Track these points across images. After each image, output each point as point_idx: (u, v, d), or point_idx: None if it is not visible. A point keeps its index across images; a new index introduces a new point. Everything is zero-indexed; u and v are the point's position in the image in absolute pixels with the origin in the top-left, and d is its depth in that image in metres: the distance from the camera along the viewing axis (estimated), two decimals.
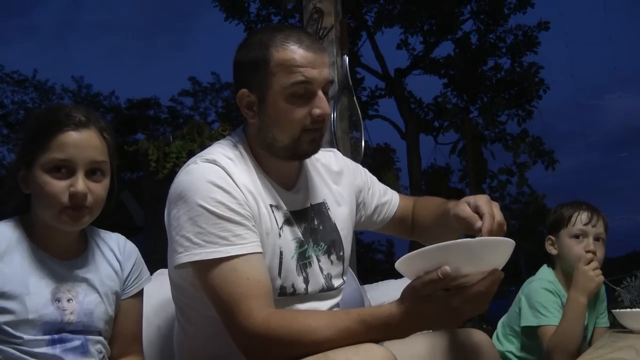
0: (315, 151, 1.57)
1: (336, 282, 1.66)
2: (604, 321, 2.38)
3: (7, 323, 1.40)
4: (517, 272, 7.97)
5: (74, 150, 1.45)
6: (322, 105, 1.50)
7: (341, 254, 1.68)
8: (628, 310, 2.07)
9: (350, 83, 3.82)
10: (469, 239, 1.28)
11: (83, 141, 1.46)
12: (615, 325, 2.18)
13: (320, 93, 1.51)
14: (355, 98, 3.92)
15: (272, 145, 1.54)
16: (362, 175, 1.84)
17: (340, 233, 1.69)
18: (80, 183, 1.45)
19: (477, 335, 1.56)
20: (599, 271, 2.17)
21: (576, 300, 2.12)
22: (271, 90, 1.50)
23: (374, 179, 1.88)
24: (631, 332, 1.96)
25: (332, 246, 1.66)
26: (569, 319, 2.12)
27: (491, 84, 11.40)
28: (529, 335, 2.28)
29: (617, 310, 2.04)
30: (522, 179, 9.14)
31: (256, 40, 1.54)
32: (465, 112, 10.91)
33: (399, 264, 1.31)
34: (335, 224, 1.68)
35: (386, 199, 1.86)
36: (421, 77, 11.68)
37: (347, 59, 3.78)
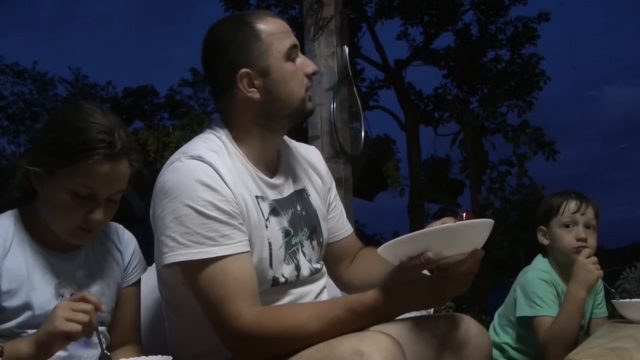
0: (312, 108, 1.65)
1: (317, 266, 1.68)
2: (601, 311, 2.38)
3: (17, 324, 1.41)
4: (517, 263, 7.99)
5: (104, 181, 1.42)
6: (310, 63, 1.62)
7: (320, 240, 1.70)
8: (627, 300, 2.08)
9: (350, 74, 3.81)
10: (448, 224, 1.34)
11: (114, 175, 1.44)
12: (615, 316, 2.18)
13: (302, 55, 1.62)
14: (355, 89, 3.91)
15: (277, 115, 1.57)
16: (333, 183, 1.86)
17: (320, 219, 1.71)
18: (100, 213, 1.45)
19: (469, 322, 1.55)
20: (598, 265, 2.16)
21: (575, 294, 2.11)
22: (273, 58, 1.55)
23: (339, 200, 1.88)
24: (630, 322, 1.97)
25: (314, 232, 1.68)
26: (567, 313, 2.11)
27: (491, 75, 11.36)
28: (525, 326, 2.27)
29: (617, 300, 2.05)
30: (522, 170, 9.13)
31: (230, 24, 1.59)
32: (465, 104, 10.89)
33: (382, 250, 1.37)
34: (315, 210, 1.70)
35: (342, 222, 1.85)
36: (421, 68, 11.63)
37: (347, 49, 3.76)
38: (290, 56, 1.57)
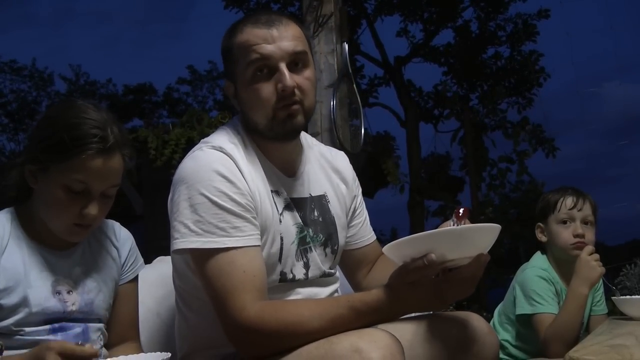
0: (296, 126, 1.52)
1: (330, 270, 1.68)
2: (601, 308, 2.38)
3: (14, 322, 1.41)
4: (517, 260, 7.99)
5: (97, 176, 1.43)
6: (282, 79, 1.47)
7: (335, 247, 1.69)
8: (627, 297, 2.07)
9: (350, 71, 3.81)
10: (453, 227, 1.33)
11: (107, 169, 1.44)
12: (615, 313, 2.18)
13: (282, 67, 1.48)
14: (354, 86, 3.92)
15: (256, 129, 1.54)
16: (359, 190, 1.84)
17: (338, 227, 1.69)
18: (95, 208, 1.45)
19: (477, 321, 1.56)
20: (600, 262, 2.15)
21: (577, 291, 2.11)
22: (238, 75, 1.52)
23: (365, 207, 1.86)
24: (631, 319, 1.96)
25: (329, 239, 1.66)
26: (569, 310, 2.11)
27: (491, 72, 11.36)
28: (524, 324, 2.27)
29: (617, 297, 2.04)
30: (522, 167, 9.14)
31: (227, 31, 1.57)
32: (465, 101, 10.89)
33: (387, 250, 1.37)
34: (334, 217, 1.68)
35: (365, 229, 1.82)
36: (421, 65, 11.64)
37: (346, 46, 3.77)
38: (254, 73, 1.49)
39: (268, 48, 1.48)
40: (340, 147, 3.60)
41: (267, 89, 1.48)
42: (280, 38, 1.49)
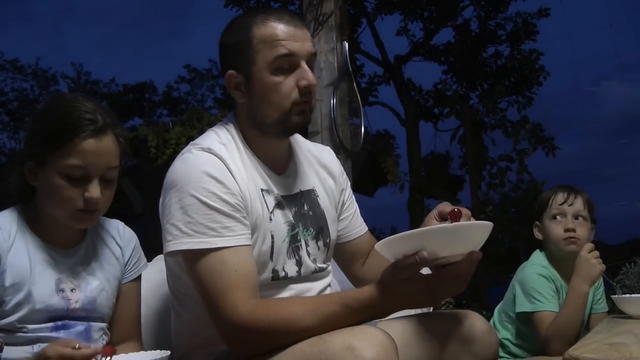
0: (305, 123, 1.59)
1: (322, 265, 1.69)
2: (601, 307, 2.39)
3: (18, 319, 1.42)
4: (517, 259, 7.99)
5: (92, 158, 1.45)
6: (307, 76, 1.53)
7: (327, 240, 1.70)
8: (627, 295, 2.08)
9: (350, 70, 3.81)
10: (446, 224, 1.35)
11: (101, 149, 1.46)
12: (614, 311, 2.18)
13: (304, 65, 1.53)
14: (354, 85, 3.92)
15: (262, 122, 1.56)
16: (347, 183, 1.85)
17: (328, 221, 1.71)
18: (96, 190, 1.46)
19: (476, 320, 1.56)
20: (600, 259, 2.16)
21: (578, 289, 2.12)
22: (256, 67, 1.53)
23: (354, 200, 1.87)
24: (630, 317, 1.97)
25: (320, 232, 1.68)
26: (570, 308, 2.12)
27: (491, 71, 11.35)
28: (524, 322, 2.28)
29: (616, 295, 2.05)
30: (522, 165, 9.13)
31: (238, 23, 1.58)
32: (465, 99, 10.88)
33: (379, 247, 1.38)
34: (323, 211, 1.70)
35: (356, 222, 1.84)
36: (421, 63, 11.62)
37: (346, 45, 3.77)
38: (278, 66, 1.51)
39: (296, 45, 1.52)
40: (340, 145, 3.61)
41: (288, 84, 1.52)
42: (303, 38, 1.54)
